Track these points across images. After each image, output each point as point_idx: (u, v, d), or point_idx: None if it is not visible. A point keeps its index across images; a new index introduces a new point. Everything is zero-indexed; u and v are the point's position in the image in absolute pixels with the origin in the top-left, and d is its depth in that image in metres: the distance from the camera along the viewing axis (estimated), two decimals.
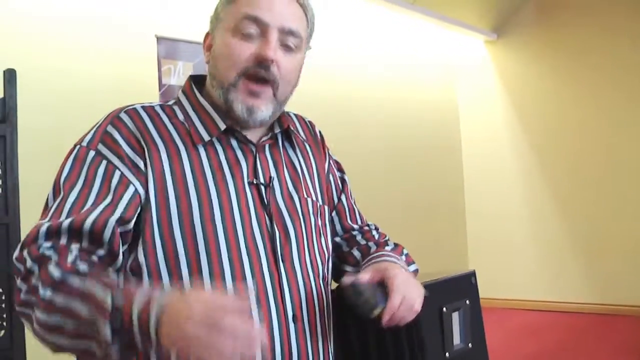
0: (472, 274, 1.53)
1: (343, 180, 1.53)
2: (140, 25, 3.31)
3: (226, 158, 1.28)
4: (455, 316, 1.44)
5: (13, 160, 2.23)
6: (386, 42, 5.12)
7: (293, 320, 1.23)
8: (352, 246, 1.47)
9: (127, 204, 1.18)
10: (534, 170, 5.59)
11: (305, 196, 1.35)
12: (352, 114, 4.63)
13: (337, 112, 4.37)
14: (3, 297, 2.18)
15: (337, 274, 1.45)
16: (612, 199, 5.19)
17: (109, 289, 1.01)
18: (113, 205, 1.17)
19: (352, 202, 1.54)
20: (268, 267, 1.23)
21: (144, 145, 1.23)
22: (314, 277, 1.30)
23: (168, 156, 1.23)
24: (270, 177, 1.31)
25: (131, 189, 1.19)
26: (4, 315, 2.18)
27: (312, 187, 1.39)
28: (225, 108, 1.28)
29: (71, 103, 3.00)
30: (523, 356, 4.10)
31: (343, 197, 1.51)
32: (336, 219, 1.49)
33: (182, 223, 1.19)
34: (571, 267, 5.38)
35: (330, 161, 1.52)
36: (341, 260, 1.46)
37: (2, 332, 2.17)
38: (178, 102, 1.34)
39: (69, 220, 1.14)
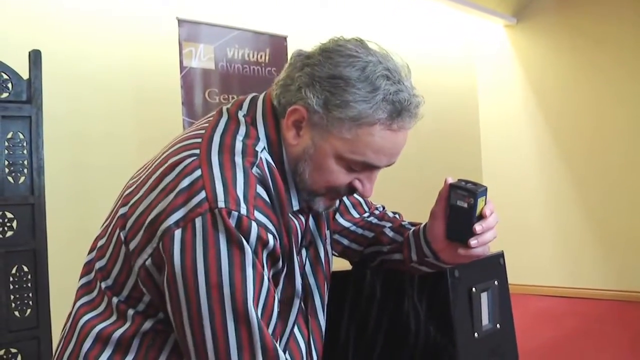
0: (501, 255, 1.53)
1: None
2: (161, 7, 3.31)
3: (294, 225, 1.19)
4: (484, 296, 1.44)
5: (38, 141, 2.25)
6: (406, 27, 5.10)
7: None
8: (377, 230, 1.47)
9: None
10: (552, 155, 5.56)
11: (325, 241, 1.32)
12: None
13: None
14: (29, 277, 2.21)
15: (372, 258, 1.46)
16: (630, 185, 5.15)
17: None
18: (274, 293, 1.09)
19: (355, 195, 1.54)
20: (300, 330, 1.23)
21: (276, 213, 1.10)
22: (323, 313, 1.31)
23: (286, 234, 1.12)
24: (310, 240, 1.27)
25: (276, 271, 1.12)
26: (30, 295, 2.21)
27: (324, 220, 1.35)
28: (305, 198, 1.18)
29: (93, 85, 3.01)
30: (541, 342, 4.09)
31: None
32: (339, 216, 1.49)
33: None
34: (588, 253, 5.36)
35: None
36: (373, 245, 1.46)
37: (29, 311, 2.20)
38: (265, 152, 1.14)
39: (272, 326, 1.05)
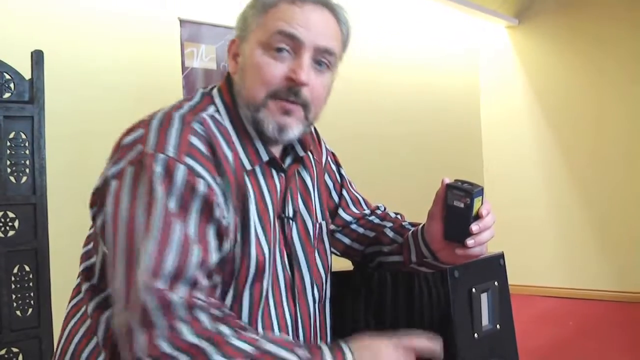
0: (501, 256, 1.53)
1: (341, 175, 1.53)
2: (163, 8, 3.31)
3: (268, 188, 1.21)
4: (484, 297, 1.44)
5: (40, 141, 2.25)
6: (408, 27, 5.10)
7: None
8: (379, 230, 1.48)
9: (229, 237, 1.11)
10: (553, 156, 5.56)
11: (315, 221, 1.33)
12: (374, 99, 4.62)
13: (359, 96, 4.36)
14: (31, 276, 2.21)
15: (371, 258, 1.47)
16: (631, 186, 5.15)
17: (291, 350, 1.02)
18: (221, 236, 1.09)
19: (355, 192, 1.54)
20: (287, 303, 1.23)
21: (220, 166, 1.12)
22: (317, 304, 1.31)
23: (236, 184, 1.14)
24: (294, 210, 1.28)
25: (228, 219, 1.11)
26: (32, 294, 2.21)
27: (315, 205, 1.37)
28: (255, 126, 1.20)
29: (96, 85, 3.02)
30: (542, 342, 4.10)
31: (345, 191, 1.51)
32: (341, 211, 1.50)
33: (238, 260, 1.14)
34: (590, 254, 5.36)
35: (328, 157, 1.50)
36: (374, 244, 1.47)
37: (31, 310, 2.20)
38: (217, 114, 1.21)
39: (195, 257, 1.02)
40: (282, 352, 1.00)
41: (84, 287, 1.18)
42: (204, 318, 0.99)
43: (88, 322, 1.17)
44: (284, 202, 1.25)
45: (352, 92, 4.22)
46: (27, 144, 2.22)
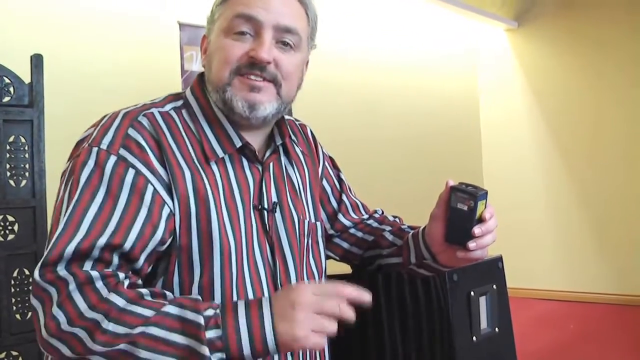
0: (499, 259, 1.54)
1: (340, 180, 1.53)
2: (162, 11, 3.32)
3: (236, 178, 1.21)
4: (483, 300, 1.45)
5: (40, 145, 2.26)
6: (407, 30, 5.11)
7: (291, 354, 1.23)
8: (377, 233, 1.48)
9: (165, 226, 1.10)
10: (553, 158, 5.56)
11: (303, 218, 1.32)
12: (372, 101, 4.62)
13: (357, 99, 4.36)
14: (30, 280, 2.21)
15: (370, 261, 1.47)
16: (631, 189, 5.15)
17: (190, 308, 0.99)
18: (152, 224, 1.08)
19: (354, 197, 1.55)
20: (269, 293, 1.21)
21: (165, 157, 1.13)
22: None
23: (190, 174, 1.14)
24: (274, 202, 1.26)
25: (167, 209, 1.11)
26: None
27: (306, 204, 1.36)
28: (225, 110, 1.20)
29: (95, 88, 3.02)
30: (541, 345, 4.10)
31: (344, 196, 1.51)
32: (341, 216, 1.50)
33: (201, 250, 1.13)
34: (589, 256, 5.35)
35: (326, 162, 1.50)
36: (373, 248, 1.47)
37: (30, 314, 2.20)
38: (187, 105, 1.24)
39: (105, 238, 1.03)
40: (188, 314, 0.98)
41: None
42: (101, 289, 0.98)
43: None
44: (261, 192, 1.24)
45: (351, 95, 4.23)
46: (26, 148, 2.23)
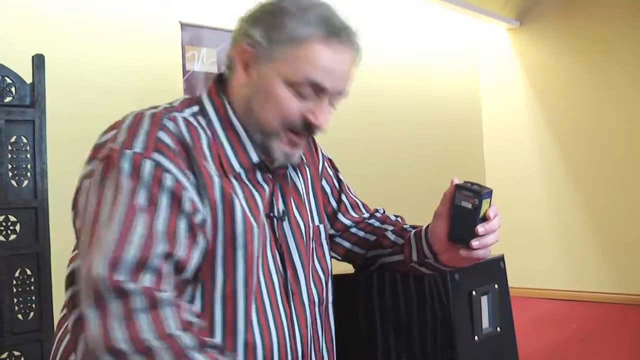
0: (501, 259, 1.53)
1: (339, 180, 1.53)
2: (164, 11, 3.32)
3: (254, 188, 1.20)
4: (484, 300, 1.45)
5: (42, 145, 2.26)
6: (409, 30, 5.11)
7: (302, 357, 1.23)
8: (379, 233, 1.48)
9: (203, 234, 1.09)
10: (555, 158, 5.56)
11: (308, 224, 1.33)
12: (373, 101, 4.62)
13: (359, 100, 4.35)
14: (32, 280, 2.21)
15: (373, 261, 1.47)
16: (633, 188, 5.15)
17: None
18: (194, 233, 1.07)
19: (353, 196, 1.55)
20: (282, 303, 1.21)
21: (193, 163, 1.11)
22: (317, 307, 1.30)
23: (219, 181, 1.13)
24: (282, 210, 1.27)
25: (201, 216, 1.09)
26: (33, 298, 2.21)
27: (309, 208, 1.37)
28: (261, 147, 1.20)
29: (97, 88, 3.02)
30: (543, 345, 4.09)
31: (343, 196, 1.51)
32: (341, 216, 1.50)
33: (225, 258, 1.12)
34: (591, 256, 5.35)
35: (325, 163, 1.50)
36: (375, 248, 1.47)
37: (32, 314, 2.20)
38: (204, 113, 1.21)
39: (161, 246, 1.01)
40: None
41: (68, 293, 1.14)
42: (170, 319, 0.96)
43: (68, 337, 1.15)
44: (272, 202, 1.24)
45: (352, 95, 4.20)
46: (28, 148, 2.23)
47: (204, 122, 1.19)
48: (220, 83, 1.26)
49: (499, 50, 5.84)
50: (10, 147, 2.19)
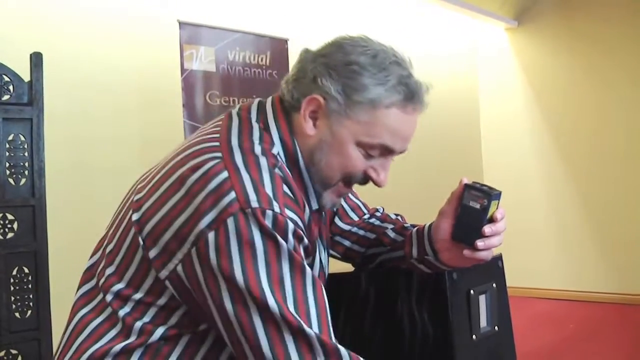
0: (499, 258, 1.53)
1: None
2: (162, 10, 3.32)
3: (312, 228, 1.22)
4: (482, 299, 1.44)
5: (39, 143, 2.26)
6: (407, 29, 5.10)
7: None
8: (379, 231, 1.48)
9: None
10: (553, 157, 5.56)
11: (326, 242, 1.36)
12: None
13: None
14: (30, 278, 2.21)
15: (372, 259, 1.47)
16: (631, 188, 5.15)
17: None
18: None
19: (353, 199, 1.55)
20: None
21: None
22: None
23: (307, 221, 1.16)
24: (323, 246, 1.31)
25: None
26: (31, 296, 2.21)
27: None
28: (316, 194, 1.21)
29: (95, 87, 3.02)
30: (541, 344, 4.09)
31: (342, 201, 1.52)
32: (338, 220, 1.50)
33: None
34: (589, 255, 5.35)
35: None
36: (375, 246, 1.46)
37: (30, 312, 2.20)
38: (274, 154, 1.14)
39: (327, 326, 1.04)
40: None
41: (108, 271, 1.12)
42: None
43: (119, 326, 1.10)
44: (320, 236, 1.28)
45: None
46: (26, 146, 2.23)
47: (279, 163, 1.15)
48: (287, 116, 1.19)
49: (497, 50, 5.84)
50: (7, 145, 2.19)
